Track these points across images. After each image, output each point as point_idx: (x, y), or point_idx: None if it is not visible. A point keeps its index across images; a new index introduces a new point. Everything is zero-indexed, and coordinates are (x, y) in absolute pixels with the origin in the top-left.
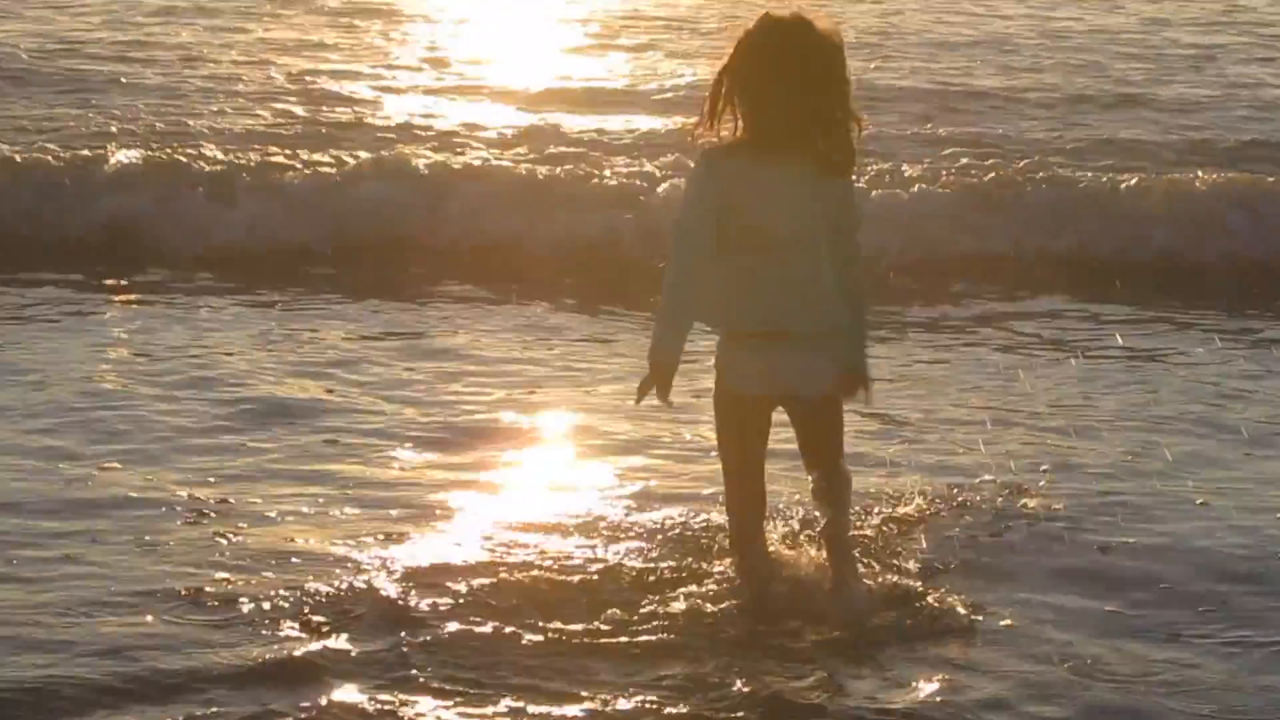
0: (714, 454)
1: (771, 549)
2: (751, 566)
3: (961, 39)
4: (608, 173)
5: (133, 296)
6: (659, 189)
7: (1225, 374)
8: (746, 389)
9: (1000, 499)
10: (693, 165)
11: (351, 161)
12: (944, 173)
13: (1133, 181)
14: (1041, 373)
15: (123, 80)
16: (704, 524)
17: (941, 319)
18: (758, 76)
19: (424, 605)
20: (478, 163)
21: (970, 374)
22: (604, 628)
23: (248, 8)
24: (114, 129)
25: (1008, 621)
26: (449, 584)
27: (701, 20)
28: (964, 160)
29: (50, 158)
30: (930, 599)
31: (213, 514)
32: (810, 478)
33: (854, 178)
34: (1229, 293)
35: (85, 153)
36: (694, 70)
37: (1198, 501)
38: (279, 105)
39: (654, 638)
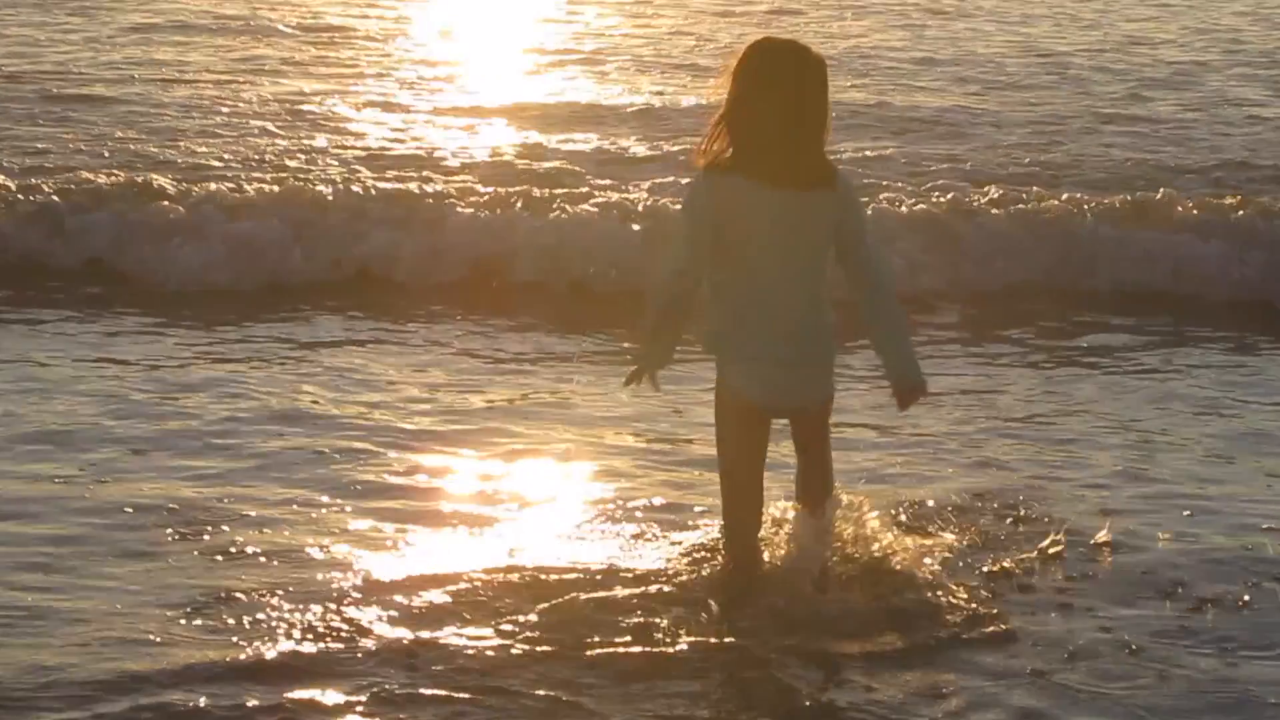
0: (701, 471)
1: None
2: (743, 564)
3: (943, 58)
4: (590, 192)
5: (111, 312)
6: (639, 208)
7: (1211, 388)
8: (750, 392)
9: (1007, 511)
10: (692, 183)
11: (333, 185)
12: (925, 194)
13: (1113, 203)
14: (1033, 387)
15: (100, 102)
16: (700, 534)
17: (926, 338)
18: (754, 95)
19: (415, 614)
20: (458, 186)
21: (966, 388)
22: (600, 636)
23: (224, 25)
24: (105, 153)
25: (1033, 629)
26: (440, 592)
27: (679, 40)
28: (942, 180)
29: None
30: (951, 611)
31: (208, 521)
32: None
33: (851, 188)
34: (1211, 313)
35: (68, 176)
36: (661, 89)
37: (1185, 513)
38: (257, 128)
39: (654, 649)
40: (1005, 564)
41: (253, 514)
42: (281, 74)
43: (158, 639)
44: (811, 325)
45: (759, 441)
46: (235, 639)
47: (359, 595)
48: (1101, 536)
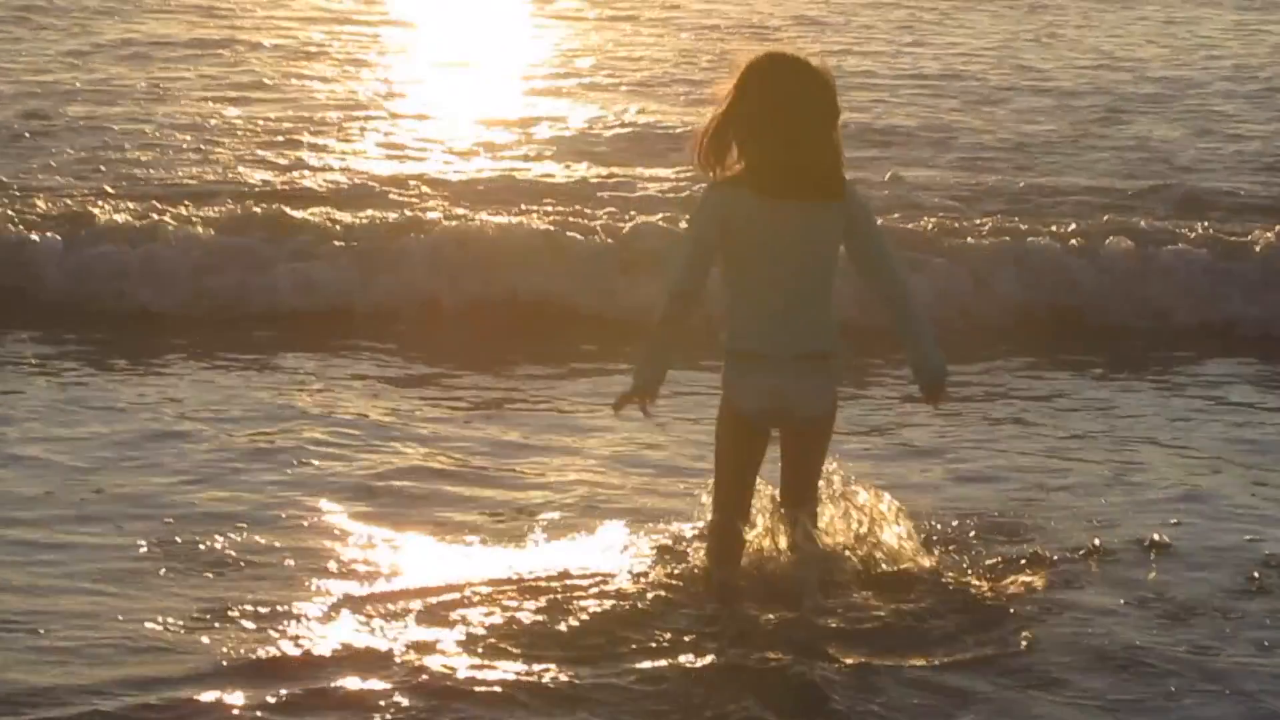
0: (686, 482)
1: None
2: (722, 556)
3: (924, 74)
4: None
5: (90, 330)
6: (624, 233)
7: (1197, 399)
8: (746, 405)
9: (997, 522)
10: (701, 196)
11: (311, 210)
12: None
13: (1093, 226)
14: (1019, 400)
15: (75, 122)
16: (694, 542)
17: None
18: (759, 109)
19: (412, 622)
20: (438, 208)
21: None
22: (601, 642)
23: (201, 42)
24: (59, 177)
25: (1022, 639)
26: (435, 600)
27: (658, 60)
28: (936, 199)
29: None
30: (948, 621)
31: (201, 528)
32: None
33: (859, 198)
34: (1195, 334)
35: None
36: (641, 109)
37: (1172, 522)
38: (233, 151)
39: (655, 656)
40: (995, 574)
41: (245, 523)
42: (259, 94)
43: (150, 644)
44: (814, 336)
45: (750, 455)
46: (236, 643)
47: (352, 601)
48: (1091, 544)
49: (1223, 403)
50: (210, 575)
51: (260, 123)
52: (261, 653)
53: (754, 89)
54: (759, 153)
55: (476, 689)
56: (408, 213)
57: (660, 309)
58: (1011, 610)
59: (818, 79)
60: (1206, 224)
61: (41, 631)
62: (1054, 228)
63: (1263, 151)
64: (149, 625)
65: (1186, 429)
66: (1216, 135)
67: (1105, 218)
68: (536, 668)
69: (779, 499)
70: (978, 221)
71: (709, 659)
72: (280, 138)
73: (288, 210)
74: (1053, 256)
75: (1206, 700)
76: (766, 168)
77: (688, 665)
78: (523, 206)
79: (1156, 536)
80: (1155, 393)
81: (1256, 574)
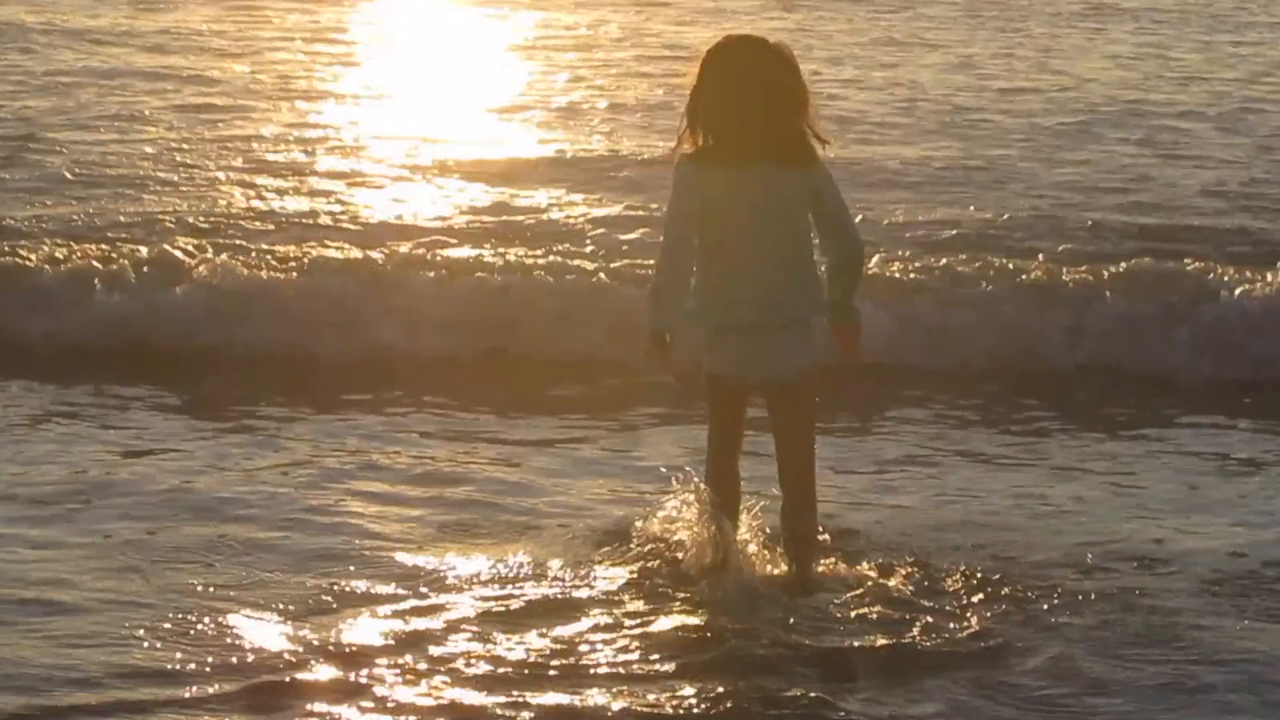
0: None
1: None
2: (715, 534)
3: (899, 96)
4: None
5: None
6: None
7: (1179, 423)
8: (716, 366)
9: (976, 537)
10: (675, 171)
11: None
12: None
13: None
14: (999, 422)
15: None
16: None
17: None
18: (716, 85)
19: (411, 630)
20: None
21: (934, 417)
22: (592, 671)
23: (169, 68)
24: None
25: (1006, 647)
26: (410, 609)
27: (630, 85)
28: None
29: None
30: (929, 632)
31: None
32: (782, 501)
33: (826, 170)
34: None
35: None
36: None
37: (1156, 538)
38: (196, 185)
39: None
40: (987, 592)
41: (239, 525)
42: (228, 120)
43: (134, 642)
44: (784, 295)
45: (730, 418)
46: (223, 642)
47: (341, 607)
48: (1081, 560)
49: (1202, 417)
50: (196, 583)
51: (224, 150)
52: (242, 657)
53: (711, 67)
54: (719, 124)
55: (470, 700)
56: (390, 247)
57: (659, 270)
58: (1005, 628)
59: (772, 51)
60: (1188, 260)
61: (25, 627)
62: (1012, 265)
63: (1230, 180)
64: (134, 624)
65: (1168, 445)
66: (1183, 161)
67: (1063, 247)
68: (529, 694)
69: (782, 500)
70: (958, 253)
71: (713, 677)
72: (244, 162)
73: (252, 244)
74: (1021, 291)
75: (1206, 706)
76: (726, 137)
77: (693, 684)
78: (493, 240)
79: (1143, 550)
80: (1139, 409)
81: (1241, 585)
